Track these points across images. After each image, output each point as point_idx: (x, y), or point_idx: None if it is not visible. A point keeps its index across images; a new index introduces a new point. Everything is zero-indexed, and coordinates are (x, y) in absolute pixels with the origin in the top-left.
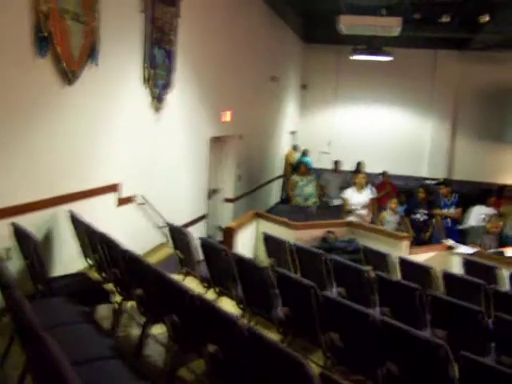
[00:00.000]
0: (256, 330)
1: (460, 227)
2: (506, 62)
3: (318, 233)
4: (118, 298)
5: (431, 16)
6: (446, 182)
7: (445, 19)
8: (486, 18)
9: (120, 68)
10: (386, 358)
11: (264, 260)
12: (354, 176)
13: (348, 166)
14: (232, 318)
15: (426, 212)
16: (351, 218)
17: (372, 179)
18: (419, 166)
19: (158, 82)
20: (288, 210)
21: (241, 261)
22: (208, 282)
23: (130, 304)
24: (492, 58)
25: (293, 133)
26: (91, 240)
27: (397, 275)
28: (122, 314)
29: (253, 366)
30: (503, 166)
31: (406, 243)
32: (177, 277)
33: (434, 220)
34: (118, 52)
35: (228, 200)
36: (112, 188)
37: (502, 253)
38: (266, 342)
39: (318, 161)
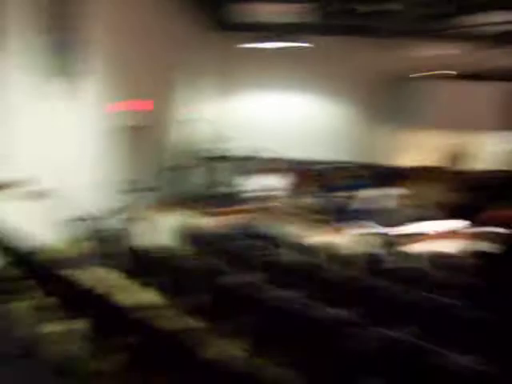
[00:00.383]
0: (149, 319)
1: (371, 208)
2: (406, 48)
3: (234, 219)
4: (29, 295)
5: (343, 4)
6: (357, 166)
7: (355, 7)
8: (393, 6)
9: (23, 55)
10: (296, 340)
11: (179, 248)
12: (267, 163)
13: (263, 152)
14: (128, 309)
15: (339, 195)
16: (265, 204)
17: (287, 165)
18: (332, 151)
19: (63, 69)
20: (203, 197)
21: (155, 252)
22: (128, 274)
23: (40, 300)
24: (396, 45)
25: (207, 121)
26: None
27: (312, 258)
28: (32, 311)
29: (159, 354)
30: (402, 149)
31: (319, 226)
32: (93, 269)
33: (348, 202)
34: (20, 38)
35: (140, 190)
36: (19, 181)
37: (408, 231)
38: (158, 330)
39: (231, 148)
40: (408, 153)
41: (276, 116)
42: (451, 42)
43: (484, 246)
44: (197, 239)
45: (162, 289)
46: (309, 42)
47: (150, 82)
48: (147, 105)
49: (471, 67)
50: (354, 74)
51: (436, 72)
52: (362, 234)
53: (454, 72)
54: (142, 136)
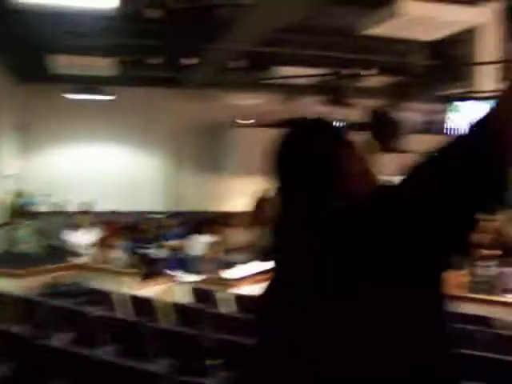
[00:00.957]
0: None
1: (186, 257)
2: (217, 98)
3: (45, 278)
4: None
5: (144, 57)
6: (172, 215)
7: (155, 60)
8: (193, 60)
9: None
10: None
11: None
12: (80, 217)
13: (77, 206)
14: None
15: (153, 246)
16: (79, 260)
17: (100, 218)
18: (147, 200)
19: None
20: (10, 258)
21: None
22: None
23: None
24: (205, 95)
25: (12, 176)
26: None
27: (127, 312)
28: None
29: None
30: (222, 195)
31: (134, 279)
32: None
33: (162, 252)
34: None
35: None
36: None
37: (221, 277)
38: None
39: (40, 203)
40: (224, 199)
41: (93, 168)
42: (266, 91)
43: None
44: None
45: None
46: (121, 94)
47: None
48: None
49: (283, 115)
50: (171, 123)
51: (250, 120)
52: (173, 284)
53: (267, 120)
54: None
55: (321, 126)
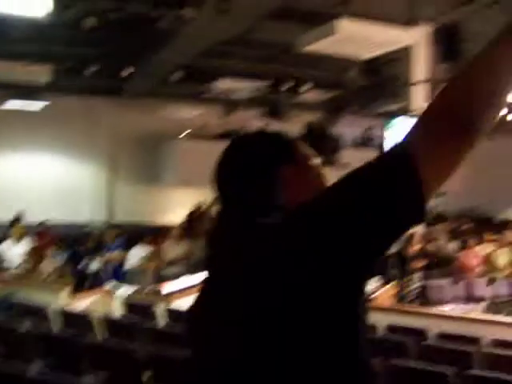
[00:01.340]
0: None
1: (123, 269)
2: (156, 110)
3: None
4: None
5: (81, 65)
6: (109, 226)
7: (92, 69)
8: (130, 70)
9: None
10: None
11: None
12: (11, 227)
13: (8, 216)
14: None
15: (88, 257)
16: (8, 272)
17: (32, 229)
18: (83, 211)
19: None
20: None
21: None
22: None
23: None
24: (144, 106)
25: None
26: None
27: (59, 326)
28: None
29: None
30: (161, 206)
31: (66, 291)
32: None
33: (97, 264)
34: None
35: None
36: None
37: (159, 290)
38: None
39: None
40: (163, 211)
41: (27, 178)
42: (205, 104)
43: None
44: None
45: None
46: (57, 103)
47: None
48: None
49: (222, 128)
50: (110, 133)
51: (191, 132)
52: (108, 296)
53: (206, 132)
54: None
55: (264, 138)
